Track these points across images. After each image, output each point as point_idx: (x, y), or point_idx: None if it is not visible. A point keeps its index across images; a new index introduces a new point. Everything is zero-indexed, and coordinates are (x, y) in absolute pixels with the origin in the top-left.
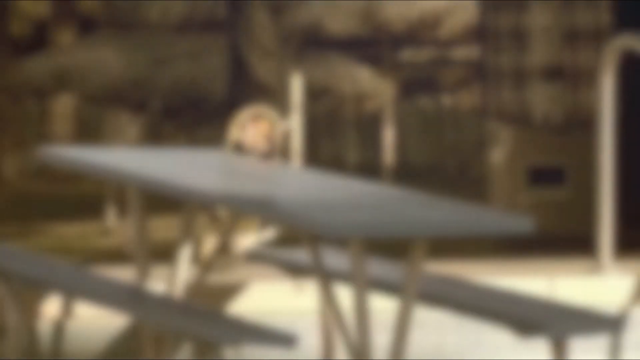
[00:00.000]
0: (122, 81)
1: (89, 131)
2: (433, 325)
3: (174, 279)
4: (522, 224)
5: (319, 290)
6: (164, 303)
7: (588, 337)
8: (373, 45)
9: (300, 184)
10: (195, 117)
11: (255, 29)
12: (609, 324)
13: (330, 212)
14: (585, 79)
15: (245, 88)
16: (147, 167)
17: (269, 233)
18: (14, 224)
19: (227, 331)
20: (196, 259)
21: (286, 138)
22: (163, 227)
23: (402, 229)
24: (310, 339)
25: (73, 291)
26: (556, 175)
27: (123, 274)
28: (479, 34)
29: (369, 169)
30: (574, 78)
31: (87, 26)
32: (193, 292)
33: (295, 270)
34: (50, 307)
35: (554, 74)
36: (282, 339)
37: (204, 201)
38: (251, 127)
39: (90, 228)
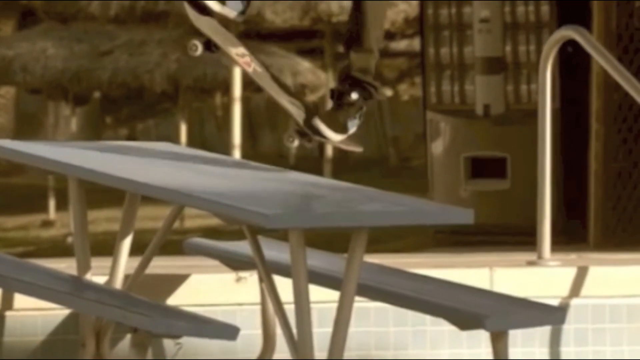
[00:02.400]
0: (62, 73)
1: (29, 123)
2: (374, 316)
3: (114, 271)
4: (462, 215)
5: (260, 282)
6: (105, 294)
7: (528, 328)
8: (313, 37)
9: (240, 175)
10: (136, 109)
11: None
12: (549, 315)
13: (270, 204)
14: (526, 70)
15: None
16: (87, 158)
17: None
18: None
19: (168, 322)
20: (137, 250)
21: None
22: (104, 219)
23: (342, 219)
24: (251, 331)
25: (12, 282)
26: (497, 166)
27: (64, 265)
28: (420, 26)
29: (309, 161)
30: (514, 69)
31: (27, 18)
32: (133, 284)
33: (235, 262)
34: None
35: (495, 65)
36: (223, 330)
37: (145, 193)
38: None
39: (32, 220)
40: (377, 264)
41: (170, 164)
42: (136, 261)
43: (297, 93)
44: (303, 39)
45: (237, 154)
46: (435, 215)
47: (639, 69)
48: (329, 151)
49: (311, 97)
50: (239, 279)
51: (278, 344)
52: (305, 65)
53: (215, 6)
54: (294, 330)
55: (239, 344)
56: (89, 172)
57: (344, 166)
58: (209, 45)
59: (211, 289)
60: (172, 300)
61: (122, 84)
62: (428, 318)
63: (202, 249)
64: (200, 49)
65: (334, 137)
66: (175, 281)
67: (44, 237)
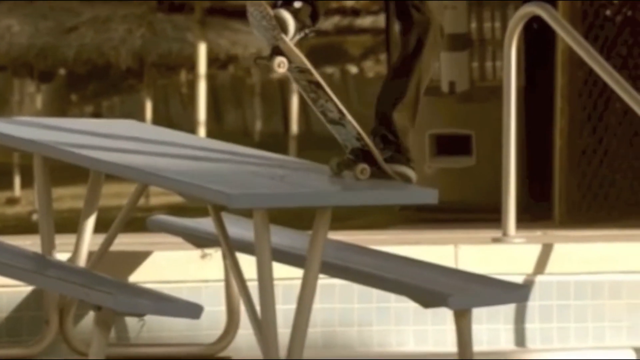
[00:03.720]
0: (28, 50)
1: None
2: (338, 293)
3: (78, 248)
4: (426, 195)
5: (224, 259)
6: (69, 272)
7: (492, 305)
8: None
9: (205, 153)
10: (102, 86)
11: None
12: (513, 292)
13: (233, 183)
14: (491, 47)
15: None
16: (52, 136)
17: None
18: None
19: (131, 301)
20: (101, 227)
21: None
22: (69, 196)
23: (305, 200)
24: (215, 307)
25: None
26: (462, 143)
27: (29, 242)
28: (385, 2)
29: (274, 138)
30: (480, 46)
31: None
32: (97, 261)
33: (199, 239)
34: None
35: (460, 42)
36: (187, 308)
37: (109, 171)
38: None
39: None
40: (341, 241)
41: (134, 141)
42: (100, 238)
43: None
44: None
45: (202, 131)
46: (399, 196)
47: (603, 45)
48: (294, 128)
49: (276, 75)
50: (204, 256)
51: (243, 320)
52: None
53: (298, 4)
54: (258, 307)
55: (203, 321)
56: (54, 150)
57: (309, 143)
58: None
59: (175, 266)
60: (136, 277)
61: (87, 61)
62: (392, 295)
63: (166, 226)
64: (286, 65)
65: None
66: (139, 258)
67: (9, 214)
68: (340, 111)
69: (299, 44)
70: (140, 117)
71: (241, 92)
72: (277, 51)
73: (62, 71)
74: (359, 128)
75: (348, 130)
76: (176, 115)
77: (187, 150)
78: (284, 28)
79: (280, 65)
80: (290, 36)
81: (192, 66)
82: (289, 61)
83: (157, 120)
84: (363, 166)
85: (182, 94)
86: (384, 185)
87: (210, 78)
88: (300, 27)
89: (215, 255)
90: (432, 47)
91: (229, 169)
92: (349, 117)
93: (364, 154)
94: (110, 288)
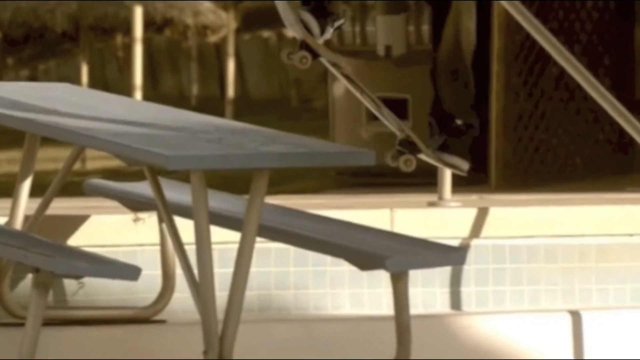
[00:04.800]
0: None
1: None
2: (275, 257)
3: (14, 212)
4: (364, 157)
5: (159, 222)
6: (5, 235)
7: (429, 268)
8: None
9: (141, 116)
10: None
11: None
12: (449, 255)
13: (171, 145)
14: (427, 10)
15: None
16: None
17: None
18: None
19: (69, 262)
20: (37, 191)
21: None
22: (5, 160)
23: (243, 161)
24: (151, 271)
25: None
26: (399, 107)
27: None
28: None
29: (211, 102)
30: (416, 9)
31: None
32: (34, 225)
33: (135, 203)
34: None
35: (396, 5)
36: (124, 270)
37: (45, 134)
38: None
39: None
40: (278, 205)
41: (71, 104)
42: (36, 202)
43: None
44: None
45: (138, 95)
46: (336, 157)
47: (539, 10)
48: (230, 92)
49: (213, 38)
50: (136, 220)
51: (178, 284)
52: (206, 5)
53: (318, 35)
54: (195, 271)
55: (139, 284)
56: None
57: (246, 108)
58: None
59: (111, 229)
60: (73, 241)
61: (23, 24)
62: (328, 258)
63: (103, 190)
64: (310, 60)
65: (464, 166)
66: (75, 222)
67: None
68: (375, 103)
69: (236, 8)
70: (77, 81)
71: (177, 56)
72: (304, 46)
73: None
74: (397, 120)
75: (390, 121)
76: (112, 79)
77: (124, 114)
78: (308, 27)
79: (302, 61)
80: (316, 33)
81: (128, 29)
82: (316, 56)
83: (94, 84)
84: (406, 157)
85: (118, 57)
86: (321, 147)
87: (146, 41)
88: (332, 19)
89: (151, 219)
90: (469, 17)
91: (166, 132)
92: (385, 108)
93: (410, 144)
94: (48, 250)
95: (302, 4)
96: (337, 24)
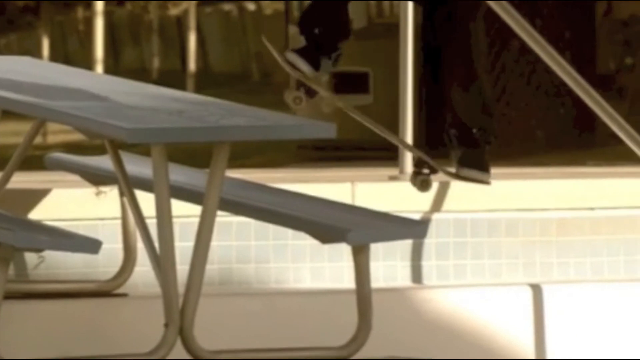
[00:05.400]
0: None
1: None
2: (236, 230)
3: None
4: (325, 129)
5: (120, 196)
6: None
7: (390, 242)
8: None
9: (103, 90)
10: None
11: None
12: (411, 229)
13: (131, 118)
14: None
15: None
16: None
17: None
18: None
19: (30, 236)
20: None
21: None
22: None
23: (204, 134)
24: (112, 245)
25: None
26: (360, 81)
27: None
28: None
29: (172, 75)
30: None
31: None
32: None
33: (96, 177)
34: None
35: None
36: (85, 244)
37: (5, 107)
38: None
39: None
40: (238, 178)
41: (32, 78)
42: None
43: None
44: None
45: (99, 68)
46: (297, 130)
47: None
48: (192, 65)
49: (174, 11)
50: (98, 193)
51: (139, 258)
52: None
53: (311, 73)
54: (156, 244)
55: (100, 258)
56: None
57: (207, 81)
58: (310, 91)
59: (72, 203)
60: (34, 215)
61: None
62: (289, 232)
63: (64, 163)
64: (304, 100)
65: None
66: (36, 196)
67: None
68: (382, 131)
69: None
70: (38, 55)
71: (138, 29)
72: (301, 84)
73: None
74: (404, 142)
75: (407, 148)
76: (73, 52)
77: (85, 87)
78: (297, 68)
79: (295, 101)
80: (307, 70)
81: (89, 3)
82: (311, 95)
83: (55, 58)
84: (422, 178)
85: (79, 31)
86: (282, 120)
87: (107, 15)
88: (329, 53)
89: (112, 193)
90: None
91: (127, 105)
92: (393, 136)
93: (426, 163)
94: (9, 224)
95: (300, 32)
96: (334, 55)
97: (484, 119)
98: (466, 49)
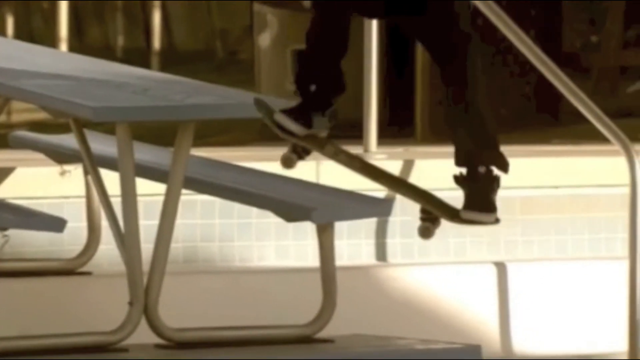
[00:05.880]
0: None
1: None
2: (200, 209)
3: None
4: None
5: (85, 175)
6: None
7: (354, 220)
8: None
9: (67, 68)
10: None
11: None
12: (375, 207)
13: (96, 97)
14: None
15: None
16: None
17: None
18: None
19: None
20: None
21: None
22: None
23: (169, 113)
24: (77, 223)
25: None
26: None
27: None
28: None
29: (137, 54)
30: None
31: None
32: None
33: (61, 155)
34: None
35: None
36: (50, 222)
37: None
38: None
39: None
40: (203, 157)
41: None
42: None
43: None
44: None
45: (63, 46)
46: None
47: None
48: (156, 44)
49: None
50: (63, 172)
51: (104, 236)
52: None
53: (301, 132)
54: (121, 223)
55: (65, 237)
56: None
57: (171, 60)
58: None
59: (37, 182)
60: None
61: None
62: (254, 210)
63: (29, 142)
64: (296, 161)
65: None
66: (1, 174)
67: None
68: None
69: None
70: (2, 32)
71: (103, 7)
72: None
73: None
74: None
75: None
76: (38, 30)
77: (50, 65)
78: (285, 130)
79: (287, 162)
80: (296, 130)
81: None
82: (301, 154)
83: (19, 35)
84: (423, 226)
85: (43, 8)
86: (247, 98)
87: None
88: (321, 110)
89: (77, 172)
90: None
91: (92, 84)
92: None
93: (429, 213)
94: None
95: (297, 89)
96: (328, 111)
97: (492, 154)
98: (462, 76)
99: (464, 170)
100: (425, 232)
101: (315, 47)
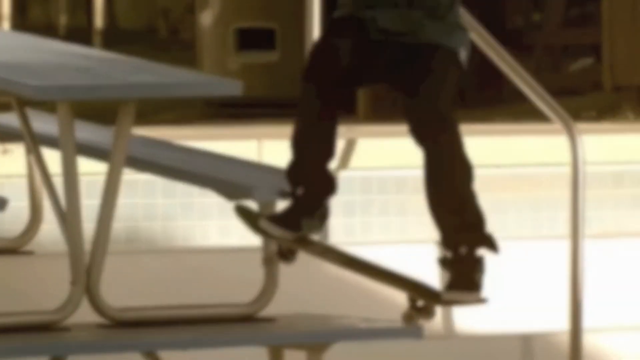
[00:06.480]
0: None
1: None
2: (141, 189)
3: None
4: (230, 86)
5: (27, 154)
6: None
7: None
8: None
9: (9, 46)
10: None
11: None
12: None
13: (38, 75)
14: None
15: None
16: None
17: None
18: None
19: None
20: None
21: None
22: None
23: (111, 92)
24: (19, 203)
25: None
26: (266, 37)
27: None
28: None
29: (79, 32)
30: None
31: None
32: None
33: (2, 134)
34: None
35: None
36: None
37: None
38: None
39: None
40: (145, 136)
41: None
42: None
43: None
44: None
45: (5, 24)
46: (203, 87)
47: None
48: (98, 22)
49: None
50: (4, 151)
51: (46, 215)
52: None
53: (289, 237)
54: (63, 202)
55: (6, 216)
56: None
57: (113, 38)
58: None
59: None
60: None
61: None
62: (196, 190)
63: None
64: (278, 261)
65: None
66: None
67: None
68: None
69: None
70: None
71: None
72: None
73: None
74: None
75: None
76: None
77: None
78: (271, 236)
79: (266, 262)
80: (280, 235)
81: None
82: (288, 255)
83: None
84: (407, 313)
85: None
86: (188, 77)
87: None
88: (311, 213)
89: (18, 150)
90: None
91: (33, 62)
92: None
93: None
94: None
95: (292, 196)
96: (318, 213)
97: (470, 236)
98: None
99: (448, 253)
100: (409, 318)
101: (301, 152)
